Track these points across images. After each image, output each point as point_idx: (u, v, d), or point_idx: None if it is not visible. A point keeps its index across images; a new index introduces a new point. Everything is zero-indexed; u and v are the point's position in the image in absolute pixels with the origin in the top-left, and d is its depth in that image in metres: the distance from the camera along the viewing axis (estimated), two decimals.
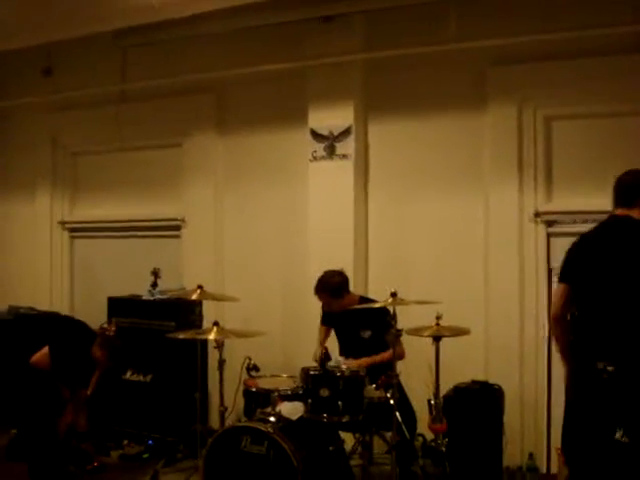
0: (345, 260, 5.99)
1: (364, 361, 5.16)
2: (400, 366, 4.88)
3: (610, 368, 3.89)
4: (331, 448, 4.75)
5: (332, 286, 5.37)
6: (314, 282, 5.46)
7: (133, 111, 7.29)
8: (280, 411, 4.71)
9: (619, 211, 4.09)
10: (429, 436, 5.20)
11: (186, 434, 5.67)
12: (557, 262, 5.74)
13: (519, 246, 5.75)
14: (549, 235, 5.79)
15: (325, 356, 4.81)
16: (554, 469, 5.42)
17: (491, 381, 5.49)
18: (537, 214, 5.76)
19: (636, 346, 3.78)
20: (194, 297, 5.41)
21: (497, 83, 5.86)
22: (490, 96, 5.89)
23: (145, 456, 6.04)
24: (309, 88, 6.37)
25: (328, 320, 5.66)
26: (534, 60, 5.71)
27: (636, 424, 3.79)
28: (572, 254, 4.20)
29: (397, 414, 4.64)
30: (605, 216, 4.88)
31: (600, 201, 5.54)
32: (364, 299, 5.51)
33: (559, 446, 4.83)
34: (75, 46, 6.82)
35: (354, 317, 5.38)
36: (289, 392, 4.92)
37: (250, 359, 5.17)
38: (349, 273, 5.62)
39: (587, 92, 5.60)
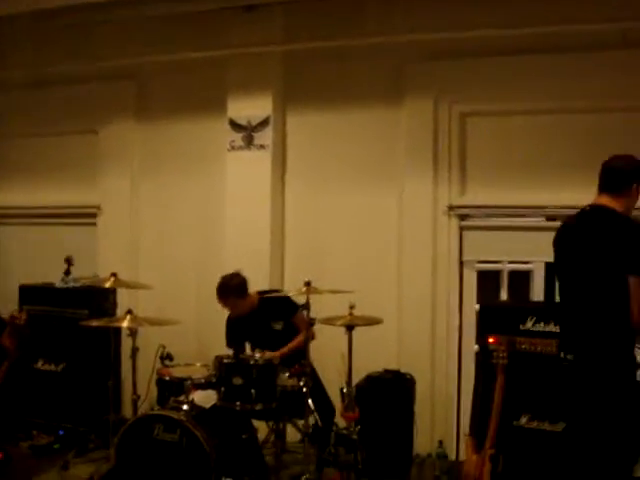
0: (261, 250, 6.05)
1: (281, 352, 5.19)
2: (314, 355, 4.95)
3: (569, 357, 4.00)
4: (244, 436, 4.77)
5: (236, 287, 5.36)
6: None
7: (49, 95, 7.12)
8: (193, 399, 4.70)
9: (603, 199, 3.88)
10: (342, 424, 5.25)
11: (98, 424, 5.60)
12: (469, 255, 5.98)
13: (432, 238, 5.89)
14: (462, 228, 5.95)
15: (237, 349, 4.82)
16: (462, 456, 5.57)
17: (403, 370, 5.60)
18: (450, 207, 5.91)
19: (592, 337, 3.77)
20: (107, 285, 5.33)
21: (414, 78, 5.97)
22: (407, 91, 6.00)
23: (56, 446, 5.91)
24: (229, 77, 6.35)
25: (234, 335, 5.58)
26: (451, 57, 5.84)
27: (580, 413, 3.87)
28: (554, 244, 4.08)
29: (310, 401, 4.68)
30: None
31: (512, 196, 5.79)
32: (263, 292, 5.55)
33: (467, 433, 5.02)
34: None
35: (262, 312, 5.42)
36: (202, 380, 4.91)
37: (164, 347, 5.12)
38: (265, 263, 5.65)
39: (501, 89, 5.75)
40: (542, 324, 4.82)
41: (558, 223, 5.45)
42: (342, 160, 6.21)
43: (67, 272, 6.30)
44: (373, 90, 6.15)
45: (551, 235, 4.10)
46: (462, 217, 5.93)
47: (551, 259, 4.10)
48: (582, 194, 5.31)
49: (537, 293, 6.89)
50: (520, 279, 6.72)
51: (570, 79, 5.51)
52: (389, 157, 6.07)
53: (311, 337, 5.00)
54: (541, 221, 5.81)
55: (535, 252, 5.78)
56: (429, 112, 5.91)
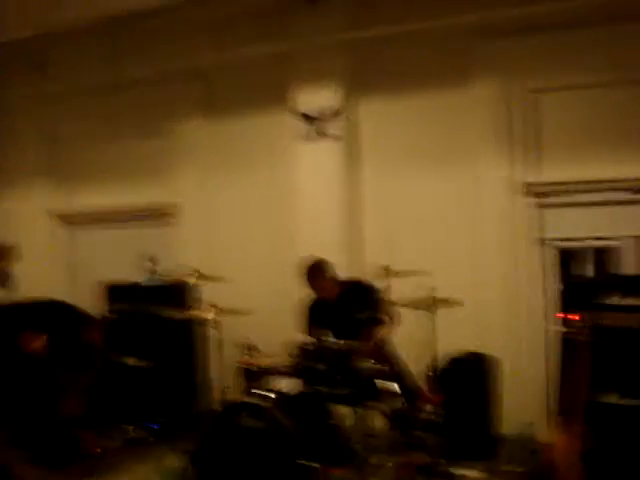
0: (335, 239, 6.19)
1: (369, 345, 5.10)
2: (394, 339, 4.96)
3: None
4: (331, 421, 4.80)
5: (323, 265, 5.40)
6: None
7: (122, 99, 7.32)
8: (279, 387, 4.77)
9: None
10: (427, 408, 5.24)
11: (190, 416, 5.73)
12: (550, 233, 5.89)
13: (510, 218, 5.85)
14: (540, 206, 5.87)
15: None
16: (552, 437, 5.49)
17: (485, 352, 5.57)
18: (527, 186, 5.83)
19: None
20: (191, 281, 5.45)
21: (482, 58, 5.95)
22: (476, 71, 5.98)
23: (150, 440, 6.08)
24: (295, 70, 6.44)
25: (316, 321, 5.53)
26: (518, 33, 5.78)
27: None
28: None
29: (395, 385, 4.70)
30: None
31: (589, 171, 5.68)
32: (347, 282, 5.53)
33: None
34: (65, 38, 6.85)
35: (347, 301, 5.42)
36: (287, 369, 4.96)
37: (248, 338, 5.21)
38: (340, 251, 5.69)
39: (572, 63, 5.69)
40: (629, 298, 4.70)
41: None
42: (414, 146, 6.20)
43: (152, 271, 6.46)
44: (442, 73, 6.13)
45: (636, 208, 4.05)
46: (539, 195, 5.85)
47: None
48: None
49: (627, 270, 6.67)
50: (608, 256, 6.54)
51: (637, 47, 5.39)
52: (462, 139, 6.04)
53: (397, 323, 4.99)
54: (626, 194, 5.70)
55: (621, 227, 5.67)
56: (499, 91, 5.87)
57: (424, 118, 6.17)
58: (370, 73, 6.34)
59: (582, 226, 5.94)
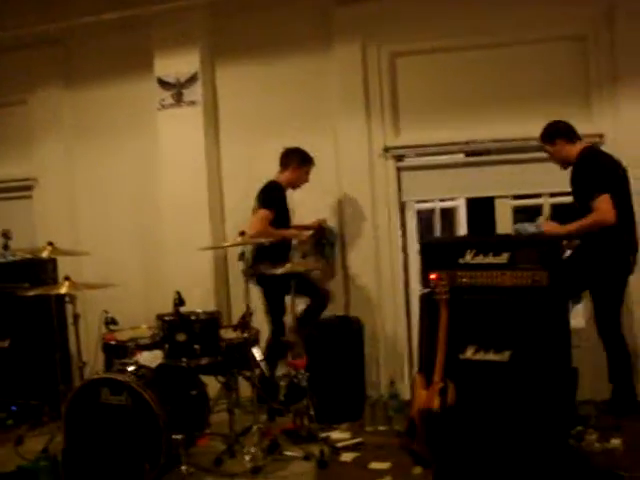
0: (200, 205, 6.00)
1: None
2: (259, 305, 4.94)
3: None
4: (193, 392, 4.74)
5: None
6: (170, 232, 5.55)
7: None
8: (138, 360, 4.66)
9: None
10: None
11: (50, 396, 5.53)
12: (407, 195, 5.99)
13: (370, 181, 5.87)
14: (399, 169, 5.93)
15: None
16: None
17: (351, 315, 5.63)
18: (386, 149, 5.89)
19: None
20: (45, 254, 5.23)
21: (340, 21, 5.91)
22: (334, 35, 5.95)
23: (9, 422, 5.83)
24: (154, 35, 6.25)
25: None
26: None
27: None
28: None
29: (254, 351, 4.68)
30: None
31: (445, 134, 5.79)
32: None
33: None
34: None
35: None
36: (147, 341, 4.86)
37: (107, 312, 5.04)
38: (205, 218, 5.61)
39: (429, 27, 5.73)
40: (481, 256, 4.82)
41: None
42: (275, 110, 6.14)
43: (5, 247, 6.18)
44: (301, 37, 6.08)
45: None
46: (398, 158, 5.92)
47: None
48: (521, 125, 5.45)
49: (461, 229, 6.89)
50: (449, 216, 6.73)
51: (496, 13, 5.51)
52: (322, 104, 6.02)
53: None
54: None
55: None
56: (358, 54, 5.88)
57: (284, 82, 6.11)
58: (229, 37, 6.22)
59: (432, 188, 6.06)
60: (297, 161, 5.67)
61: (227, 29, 6.20)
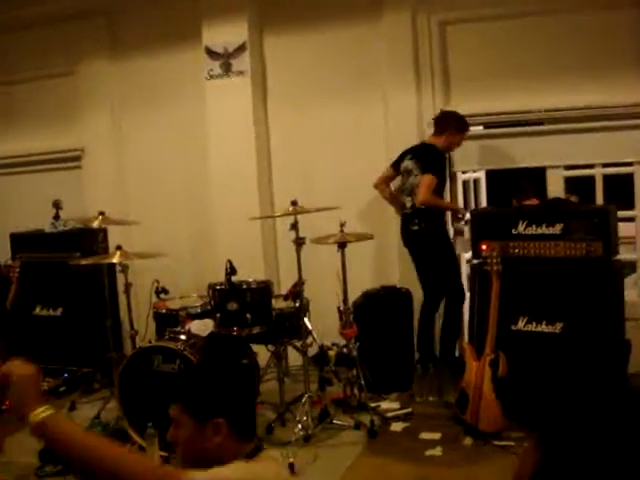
0: (248, 174, 6.02)
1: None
2: (309, 275, 4.93)
3: None
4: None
5: None
6: (219, 202, 5.46)
7: (21, 39, 6.92)
8: (189, 329, 4.70)
9: None
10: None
11: (102, 363, 5.62)
12: (457, 166, 5.93)
13: None
14: None
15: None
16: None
17: (400, 285, 5.60)
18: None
19: None
20: (95, 224, 5.29)
21: None
22: (385, 4, 5.85)
23: (62, 389, 5.92)
24: (202, 4, 6.20)
25: None
26: None
27: None
28: None
29: (306, 321, 4.69)
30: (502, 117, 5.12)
31: (498, 103, 5.70)
32: None
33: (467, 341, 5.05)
34: None
35: None
36: (198, 310, 4.91)
37: (158, 282, 5.09)
38: (253, 188, 5.61)
39: None
40: (534, 227, 4.77)
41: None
42: (324, 79, 6.09)
43: (56, 216, 6.26)
44: (350, 6, 6.02)
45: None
46: None
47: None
48: (575, 95, 5.35)
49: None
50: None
51: None
52: (371, 72, 5.96)
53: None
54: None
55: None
56: (408, 22, 5.79)
57: (333, 51, 6.04)
58: (277, 6, 6.18)
59: (482, 158, 5.98)
60: (454, 126, 5.44)
61: None
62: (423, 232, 5.37)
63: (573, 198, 5.40)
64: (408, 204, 5.43)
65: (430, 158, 5.36)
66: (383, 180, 5.68)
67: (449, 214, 5.71)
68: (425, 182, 5.24)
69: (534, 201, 5.12)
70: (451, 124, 5.44)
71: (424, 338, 5.45)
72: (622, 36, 5.36)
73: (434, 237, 5.39)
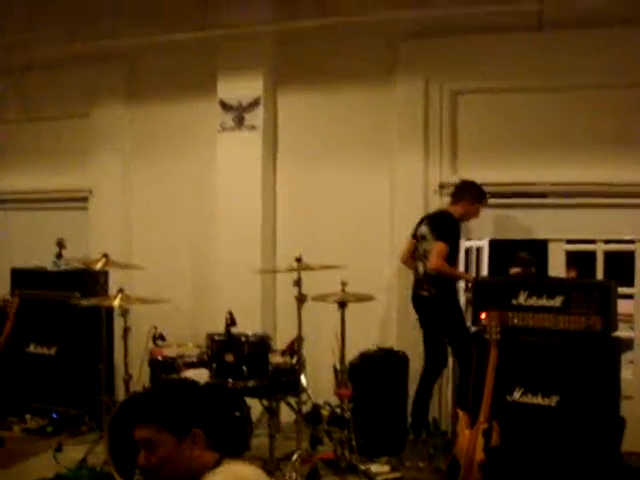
0: (253, 229, 6.06)
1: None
2: (307, 332, 4.93)
3: None
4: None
5: None
6: (222, 253, 5.59)
7: (40, 79, 7.04)
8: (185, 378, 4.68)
9: None
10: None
11: (91, 406, 5.58)
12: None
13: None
14: None
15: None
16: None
17: (397, 348, 5.60)
18: (442, 186, 5.88)
19: None
20: (98, 266, 5.31)
21: (405, 56, 5.95)
22: (398, 69, 5.98)
23: (49, 429, 5.89)
24: (219, 58, 6.32)
25: None
26: (442, 34, 5.80)
27: None
28: None
29: (302, 379, 4.67)
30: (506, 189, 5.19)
31: (504, 174, 5.77)
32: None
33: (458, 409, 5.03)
34: None
35: None
36: (194, 359, 4.90)
37: (156, 328, 5.11)
38: (257, 241, 5.64)
39: (492, 67, 5.72)
40: (534, 298, 4.79)
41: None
42: (333, 139, 6.19)
43: (59, 255, 6.28)
44: (364, 69, 6.12)
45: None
46: None
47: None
48: (580, 170, 5.43)
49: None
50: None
51: (559, 56, 5.49)
52: (381, 136, 6.05)
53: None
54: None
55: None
56: (420, 90, 5.90)
57: (344, 112, 6.14)
58: (294, 64, 6.29)
59: (487, 228, 6.06)
60: (471, 196, 5.52)
61: (292, 57, 6.26)
62: (432, 299, 5.40)
63: (572, 273, 5.46)
64: (420, 269, 5.48)
65: (444, 225, 5.41)
66: (408, 253, 5.72)
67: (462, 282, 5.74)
68: (436, 249, 5.29)
69: (517, 270, 5.20)
70: (468, 194, 5.50)
71: (420, 405, 5.43)
72: (630, 113, 5.46)
73: (443, 304, 5.41)
